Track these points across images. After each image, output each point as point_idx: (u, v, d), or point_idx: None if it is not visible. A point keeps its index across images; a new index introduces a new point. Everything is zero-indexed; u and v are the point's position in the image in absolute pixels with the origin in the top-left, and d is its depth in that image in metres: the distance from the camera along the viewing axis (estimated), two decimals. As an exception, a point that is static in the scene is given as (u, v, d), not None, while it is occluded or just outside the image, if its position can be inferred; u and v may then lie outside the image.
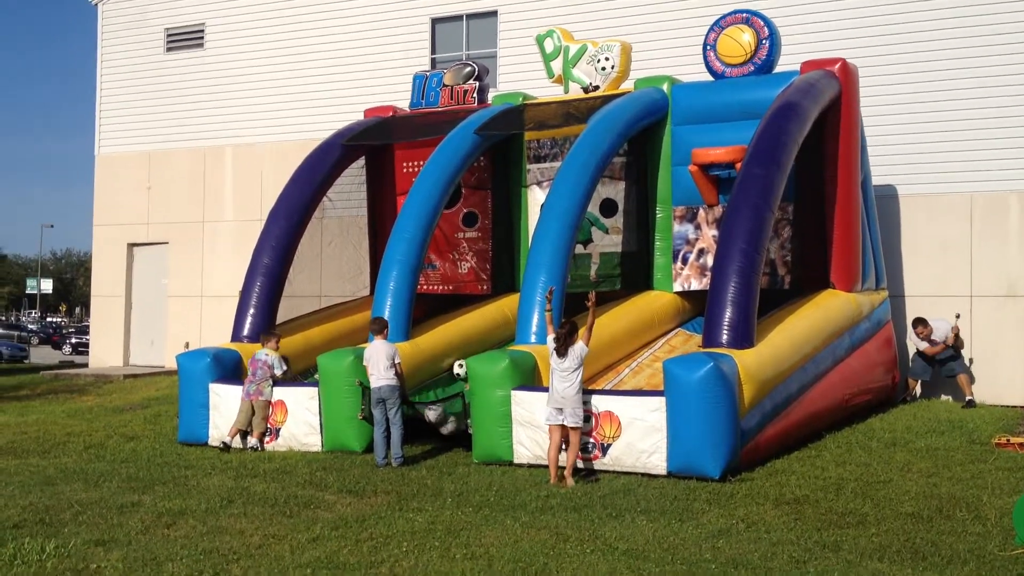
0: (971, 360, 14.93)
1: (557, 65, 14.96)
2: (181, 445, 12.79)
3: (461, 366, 12.43)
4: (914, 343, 14.58)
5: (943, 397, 15.00)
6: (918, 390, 14.93)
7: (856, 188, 13.52)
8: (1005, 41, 15.07)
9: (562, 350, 10.22)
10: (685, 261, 14.14)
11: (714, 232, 13.94)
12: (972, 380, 14.68)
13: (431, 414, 11.64)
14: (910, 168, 15.64)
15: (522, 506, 9.27)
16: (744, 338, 10.92)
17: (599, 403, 10.63)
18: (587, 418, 10.49)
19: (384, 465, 11.04)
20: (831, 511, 8.84)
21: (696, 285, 14.07)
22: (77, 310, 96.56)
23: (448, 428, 11.73)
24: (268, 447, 12.40)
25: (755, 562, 7.41)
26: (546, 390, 10.76)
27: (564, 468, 10.25)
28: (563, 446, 10.31)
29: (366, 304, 15.63)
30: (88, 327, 58.96)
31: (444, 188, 13.67)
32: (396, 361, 11.29)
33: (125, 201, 21.90)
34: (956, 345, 14.45)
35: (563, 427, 10.20)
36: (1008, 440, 11.50)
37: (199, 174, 21.23)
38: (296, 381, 13.03)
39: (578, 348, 10.24)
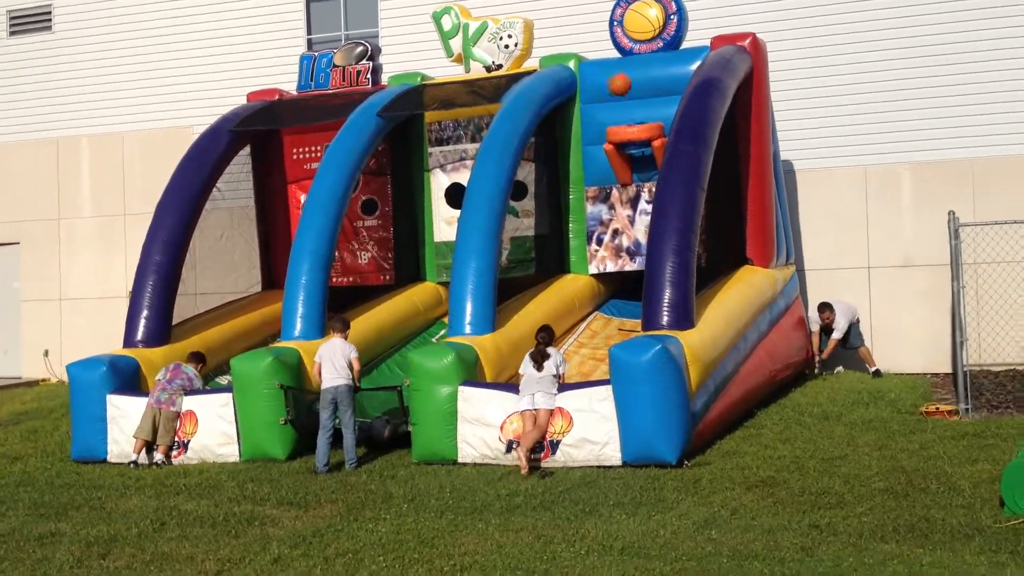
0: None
1: (456, 44, 14.36)
2: (77, 463, 11.63)
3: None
4: (813, 324, 14.66)
5: (837, 369, 15.12)
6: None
7: (769, 164, 13.47)
8: (896, 15, 15.31)
9: (539, 365, 10.14)
10: (600, 242, 13.81)
11: (628, 212, 13.69)
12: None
13: (385, 431, 11.01)
14: (804, 143, 15.73)
15: (486, 507, 8.74)
16: (685, 318, 10.67)
17: (545, 397, 10.20)
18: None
19: (325, 471, 10.27)
20: (805, 491, 8.66)
21: (612, 267, 13.77)
22: None
23: (386, 435, 11.09)
24: (176, 461, 11.42)
25: (761, 552, 7.12)
26: (495, 386, 10.35)
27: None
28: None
29: (261, 301, 14.80)
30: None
31: (351, 174, 12.92)
32: (352, 356, 10.58)
33: (-32, 199, 20.07)
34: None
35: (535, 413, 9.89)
36: (937, 408, 11.66)
37: (51, 167, 19.63)
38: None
39: (554, 360, 10.19)
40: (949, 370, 14.88)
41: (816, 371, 14.57)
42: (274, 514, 8.87)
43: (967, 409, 11.49)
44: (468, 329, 11.03)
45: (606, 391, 10.07)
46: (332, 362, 10.62)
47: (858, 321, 14.71)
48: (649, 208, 13.42)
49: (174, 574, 7.25)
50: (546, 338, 10.42)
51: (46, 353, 19.13)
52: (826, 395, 12.85)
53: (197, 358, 12.13)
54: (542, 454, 10.09)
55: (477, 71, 14.23)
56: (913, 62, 15.22)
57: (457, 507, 8.78)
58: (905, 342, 15.21)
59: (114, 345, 15.52)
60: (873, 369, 14.57)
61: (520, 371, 10.37)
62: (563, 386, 10.29)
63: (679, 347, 10.16)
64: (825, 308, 14.53)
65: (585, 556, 7.22)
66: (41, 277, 19.54)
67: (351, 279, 14.92)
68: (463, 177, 14.24)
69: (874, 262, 15.53)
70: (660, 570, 6.83)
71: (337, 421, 10.59)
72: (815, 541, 7.29)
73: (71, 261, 19.41)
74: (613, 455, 9.93)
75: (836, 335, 14.48)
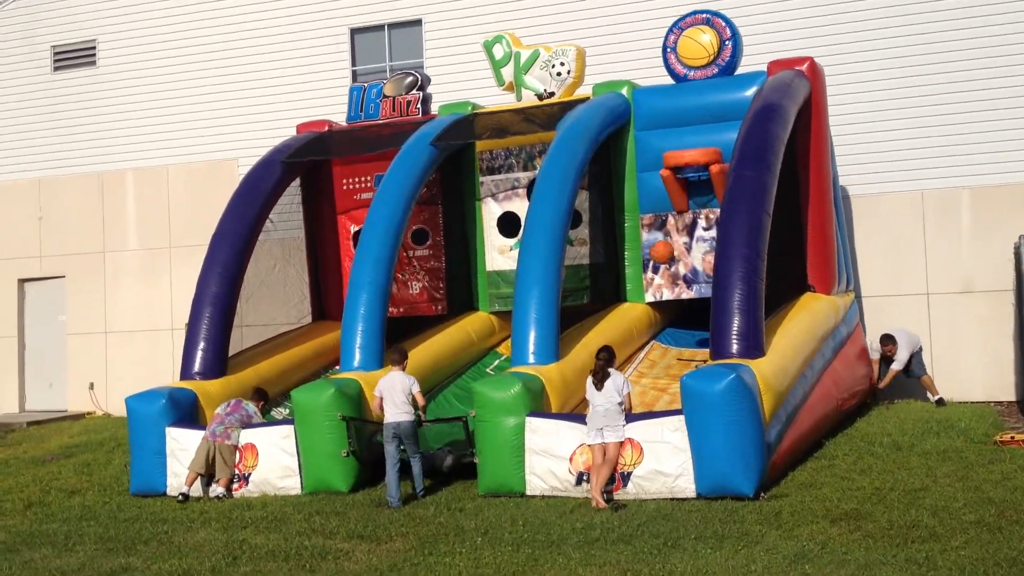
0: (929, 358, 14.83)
1: (508, 72, 14.29)
2: (136, 497, 11.49)
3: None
4: (874, 353, 14.39)
5: (894, 400, 14.81)
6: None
7: (829, 189, 13.29)
8: (953, 36, 15.13)
9: (599, 384, 9.86)
10: (656, 270, 13.63)
11: (685, 239, 13.51)
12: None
13: (447, 461, 10.82)
14: (859, 168, 15.53)
15: (563, 540, 8.52)
16: (755, 347, 10.45)
17: (614, 427, 9.98)
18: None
19: (399, 505, 10.04)
20: (893, 524, 8.39)
21: (669, 295, 13.58)
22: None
23: (448, 464, 10.89)
24: (237, 494, 11.26)
25: (862, 587, 6.87)
26: (562, 417, 10.14)
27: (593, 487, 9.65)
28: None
29: (313, 332, 14.66)
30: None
31: (407, 203, 12.82)
32: (415, 390, 10.38)
33: (13, 233, 20.11)
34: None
35: (604, 447, 9.64)
36: (1012, 437, 11.34)
37: (96, 201, 19.66)
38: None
39: (615, 382, 9.86)
40: (1013, 398, 14.57)
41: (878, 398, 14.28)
42: (346, 548, 8.69)
43: (1043, 438, 11.17)
44: (532, 359, 10.84)
45: (678, 421, 9.85)
46: (392, 397, 10.38)
47: (920, 350, 14.39)
48: (706, 235, 13.29)
49: (255, 612, 7.07)
50: (607, 357, 10.13)
51: (91, 386, 19.08)
52: (893, 424, 12.55)
53: (259, 395, 12.03)
54: (613, 486, 9.87)
55: (529, 99, 14.13)
56: (972, 84, 15.00)
57: (533, 540, 8.57)
58: (966, 370, 14.91)
59: (160, 378, 15.51)
60: (936, 398, 14.26)
61: (587, 396, 10.15)
62: (633, 416, 10.07)
63: (752, 376, 9.93)
64: (888, 340, 14.21)
65: (678, 592, 6.99)
66: (87, 310, 19.51)
67: (402, 310, 14.76)
68: (515, 206, 14.18)
69: (933, 288, 15.25)
70: (761, 606, 6.60)
71: (403, 453, 10.41)
72: (917, 576, 7.04)
73: (116, 294, 19.38)
74: (687, 487, 9.69)
75: (896, 366, 14.16)
